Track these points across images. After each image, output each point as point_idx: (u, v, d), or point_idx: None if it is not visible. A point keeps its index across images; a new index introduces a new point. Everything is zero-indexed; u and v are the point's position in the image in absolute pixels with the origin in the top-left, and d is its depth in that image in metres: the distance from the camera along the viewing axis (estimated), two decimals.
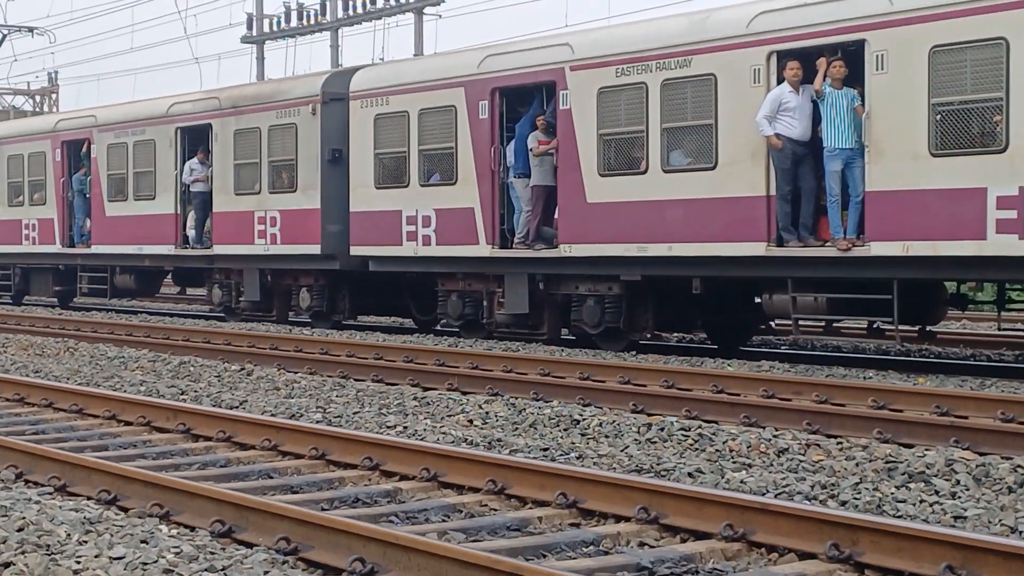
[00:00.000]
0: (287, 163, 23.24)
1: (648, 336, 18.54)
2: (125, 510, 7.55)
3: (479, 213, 19.77)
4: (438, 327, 22.32)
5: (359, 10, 35.76)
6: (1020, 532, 6.98)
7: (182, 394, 13.51)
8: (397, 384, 14.39)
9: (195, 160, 25.47)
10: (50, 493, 8.08)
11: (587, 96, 18.15)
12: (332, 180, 22.43)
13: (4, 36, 36.35)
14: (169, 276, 29.43)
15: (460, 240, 20.10)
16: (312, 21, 37.27)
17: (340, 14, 36.27)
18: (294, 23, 37.65)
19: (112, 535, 6.63)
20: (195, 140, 25.90)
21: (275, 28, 38.36)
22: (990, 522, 7.19)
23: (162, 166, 26.23)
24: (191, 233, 25.80)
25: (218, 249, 24.82)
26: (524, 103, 19.85)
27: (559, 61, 18.62)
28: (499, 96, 19.61)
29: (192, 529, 7.05)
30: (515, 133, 19.53)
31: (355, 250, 21.90)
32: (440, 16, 35.36)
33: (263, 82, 24.26)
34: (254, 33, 38.99)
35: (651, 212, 17.38)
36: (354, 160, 21.93)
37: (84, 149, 28.45)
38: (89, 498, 7.87)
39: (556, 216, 19.08)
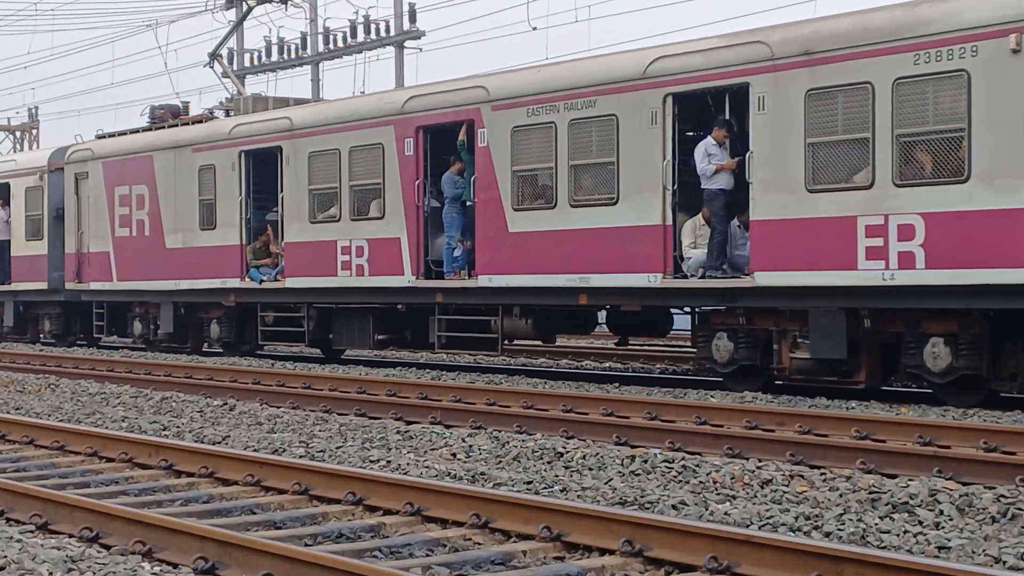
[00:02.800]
0: (943, 137, 14.54)
1: None
2: (107, 547, 7.51)
3: None
4: None
5: (339, 44, 35.89)
6: (1004, 562, 6.98)
7: (164, 430, 13.46)
8: (380, 418, 14.35)
9: (710, 142, 16.99)
10: (32, 531, 8.04)
11: None
12: None
13: (250, 8, 31.62)
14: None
15: None
16: (293, 55, 37.39)
17: (320, 48, 36.39)
18: (275, 57, 37.77)
19: (95, 573, 6.59)
20: (698, 111, 17.67)
21: (256, 63, 38.47)
22: (974, 552, 7.19)
23: (633, 153, 17.36)
24: (694, 254, 17.16)
25: (762, 278, 16.09)
26: None
27: None
28: None
29: (175, 566, 7.02)
30: None
31: None
32: (421, 50, 35.47)
33: (866, 12, 15.51)
34: (235, 67, 39.07)
35: None
36: None
37: (461, 136, 19.84)
38: (71, 536, 7.83)
39: None
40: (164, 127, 26.62)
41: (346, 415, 14.66)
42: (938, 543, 7.42)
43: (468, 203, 19.96)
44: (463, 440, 12.09)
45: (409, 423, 13.78)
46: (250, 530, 7.96)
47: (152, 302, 26.38)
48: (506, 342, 20.14)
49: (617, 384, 17.57)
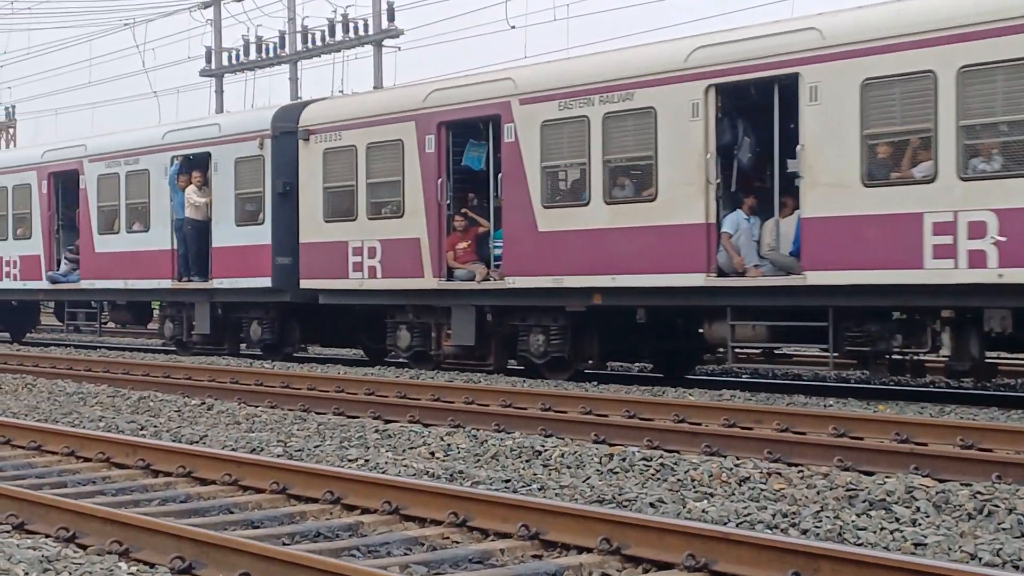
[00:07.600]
0: None
1: None
2: (84, 547, 7.48)
3: None
4: None
5: (318, 43, 35.79)
6: (980, 559, 7.01)
7: (141, 429, 13.42)
8: (358, 417, 14.33)
9: None
10: (8, 531, 8.01)
11: None
12: None
13: None
14: None
15: None
16: (271, 54, 37.29)
17: (299, 47, 36.27)
18: (253, 56, 37.63)
19: (71, 573, 6.57)
20: None
21: (234, 61, 38.34)
22: (950, 549, 7.22)
23: None
24: None
25: None
26: None
27: None
28: None
29: (152, 566, 7.00)
30: None
31: None
32: (399, 48, 35.39)
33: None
34: (213, 66, 38.95)
35: None
36: None
37: None
38: (47, 536, 7.80)
39: None
40: None
41: (324, 414, 14.64)
42: (914, 540, 7.45)
43: None
44: (441, 439, 12.08)
45: (387, 422, 13.76)
46: (228, 529, 7.94)
47: None
48: None
49: (596, 383, 17.58)
